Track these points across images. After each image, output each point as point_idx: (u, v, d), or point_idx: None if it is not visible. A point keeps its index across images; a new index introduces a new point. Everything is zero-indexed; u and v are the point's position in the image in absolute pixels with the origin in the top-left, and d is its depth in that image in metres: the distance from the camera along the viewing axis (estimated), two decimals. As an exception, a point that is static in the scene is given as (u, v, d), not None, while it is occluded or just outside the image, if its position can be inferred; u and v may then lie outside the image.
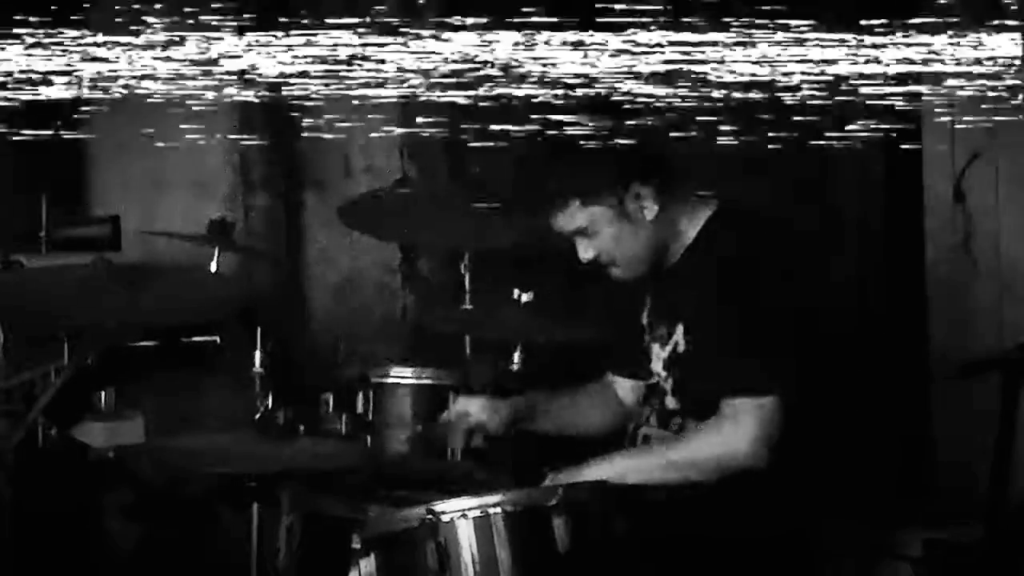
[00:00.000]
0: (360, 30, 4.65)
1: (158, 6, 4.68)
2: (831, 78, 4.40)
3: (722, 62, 4.39)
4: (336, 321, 5.35)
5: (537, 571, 2.76)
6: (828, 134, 4.65)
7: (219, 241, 4.13)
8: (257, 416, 3.51)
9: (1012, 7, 4.32)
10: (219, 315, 4.11)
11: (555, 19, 4.48)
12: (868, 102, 4.45)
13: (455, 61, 4.60)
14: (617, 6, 4.41)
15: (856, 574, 4.08)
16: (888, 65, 4.41)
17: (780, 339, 3.05)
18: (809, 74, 4.37)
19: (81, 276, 3.34)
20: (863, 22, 4.36)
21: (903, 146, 4.73)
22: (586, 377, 3.55)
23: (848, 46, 4.37)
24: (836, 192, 5.31)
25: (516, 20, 4.48)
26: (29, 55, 4.43)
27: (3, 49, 4.40)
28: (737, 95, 4.44)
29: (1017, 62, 4.30)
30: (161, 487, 3.80)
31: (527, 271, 4.29)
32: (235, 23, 4.76)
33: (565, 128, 3.11)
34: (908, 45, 4.38)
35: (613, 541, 2.83)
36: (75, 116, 4.79)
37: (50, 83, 4.47)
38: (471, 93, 4.59)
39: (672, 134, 3.35)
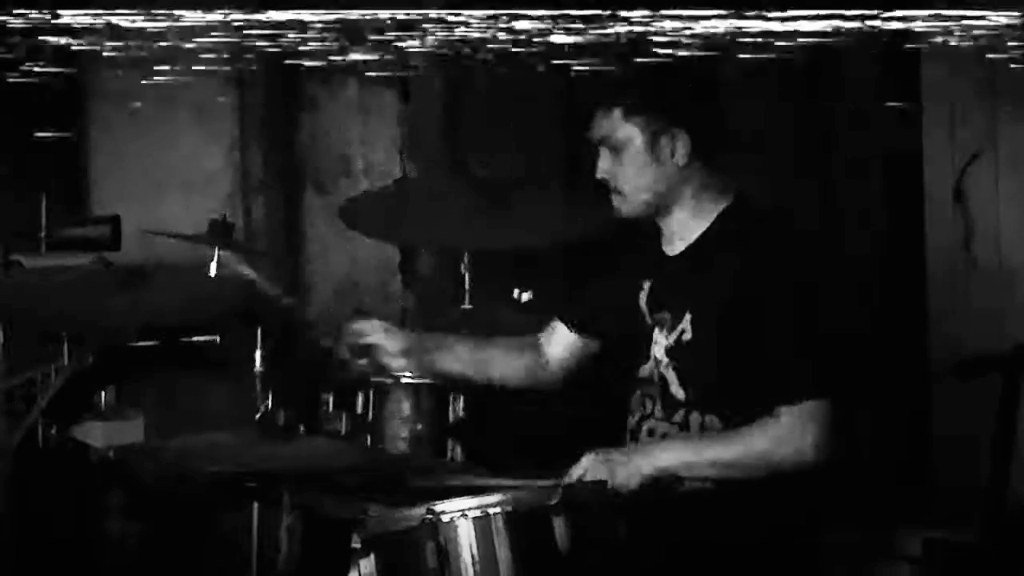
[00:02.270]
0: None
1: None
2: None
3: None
4: (336, 321, 5.35)
5: (537, 571, 2.76)
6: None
7: (219, 241, 4.13)
8: (257, 416, 3.50)
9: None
10: (219, 315, 4.11)
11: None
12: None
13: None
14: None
15: (856, 574, 4.08)
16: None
17: (822, 340, 3.07)
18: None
19: (81, 276, 3.35)
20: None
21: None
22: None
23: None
24: (836, 192, 5.31)
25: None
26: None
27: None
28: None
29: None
30: (161, 487, 3.79)
31: (527, 271, 4.29)
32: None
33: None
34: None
35: (614, 541, 2.83)
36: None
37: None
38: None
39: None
